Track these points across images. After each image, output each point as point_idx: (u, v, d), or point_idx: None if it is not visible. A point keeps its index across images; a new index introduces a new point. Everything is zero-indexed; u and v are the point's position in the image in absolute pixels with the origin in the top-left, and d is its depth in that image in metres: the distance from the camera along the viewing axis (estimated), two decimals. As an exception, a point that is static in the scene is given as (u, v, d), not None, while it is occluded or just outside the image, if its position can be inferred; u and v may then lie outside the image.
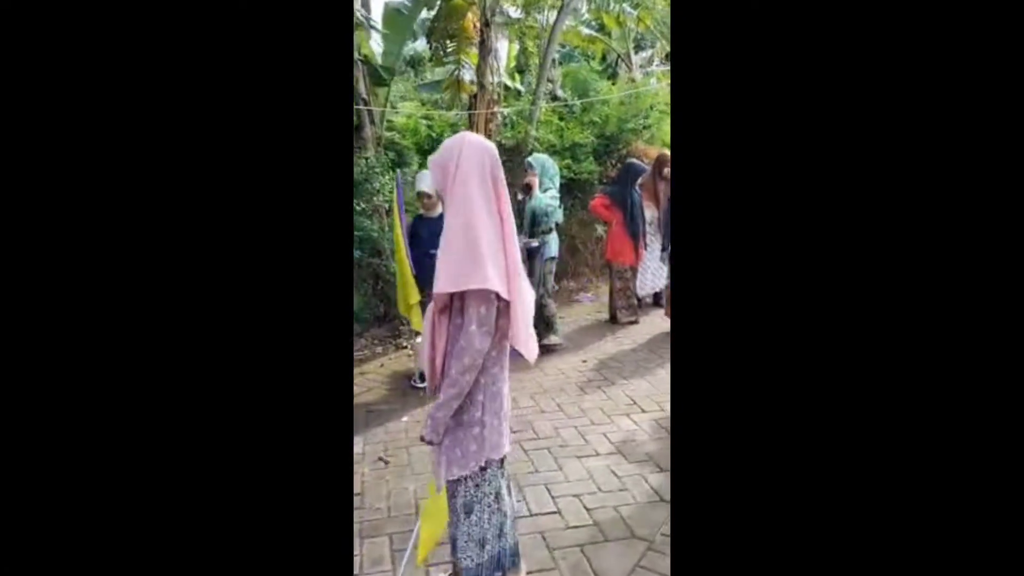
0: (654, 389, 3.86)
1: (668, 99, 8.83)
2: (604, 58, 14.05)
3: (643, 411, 3.54)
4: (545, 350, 4.42)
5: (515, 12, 7.11)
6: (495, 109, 5.90)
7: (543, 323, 4.53)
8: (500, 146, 6.40)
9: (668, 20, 12.63)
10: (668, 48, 12.72)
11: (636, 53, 12.99)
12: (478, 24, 5.71)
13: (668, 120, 8.65)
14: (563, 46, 13.97)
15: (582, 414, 3.51)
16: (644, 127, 7.99)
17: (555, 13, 6.28)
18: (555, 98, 7.62)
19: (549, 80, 7.00)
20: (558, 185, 4.52)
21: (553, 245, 4.49)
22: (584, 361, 4.44)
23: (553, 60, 11.36)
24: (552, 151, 6.52)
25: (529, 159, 4.59)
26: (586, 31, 12.56)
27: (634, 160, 5.50)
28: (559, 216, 4.49)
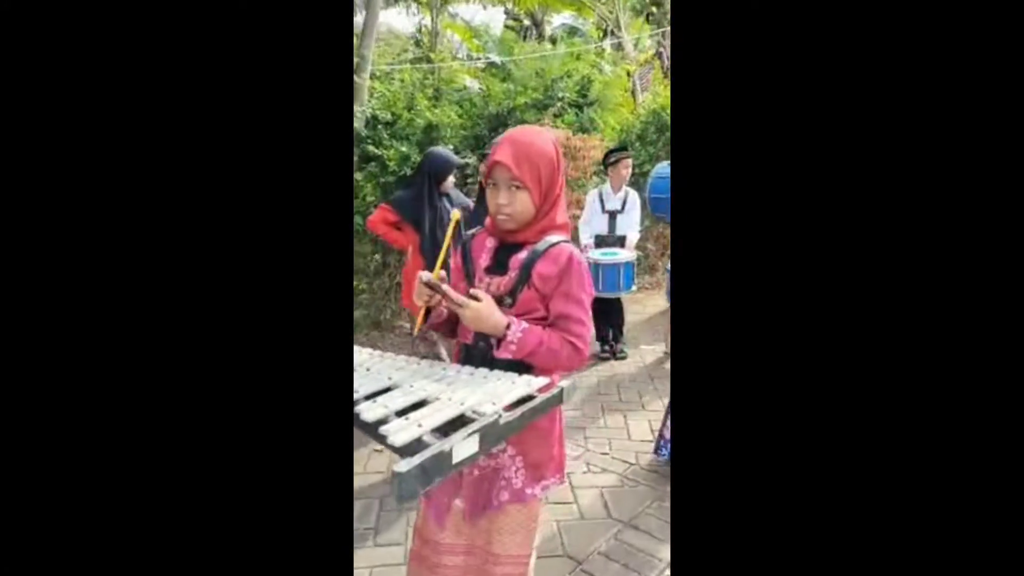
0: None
1: (599, 64, 6.80)
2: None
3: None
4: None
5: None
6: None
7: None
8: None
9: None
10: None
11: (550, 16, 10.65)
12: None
13: (614, 91, 6.65)
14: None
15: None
16: (573, 105, 6.00)
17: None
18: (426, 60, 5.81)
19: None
20: None
21: None
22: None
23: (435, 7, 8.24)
24: (401, 135, 4.78)
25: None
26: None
27: (436, 149, 3.51)
28: None
